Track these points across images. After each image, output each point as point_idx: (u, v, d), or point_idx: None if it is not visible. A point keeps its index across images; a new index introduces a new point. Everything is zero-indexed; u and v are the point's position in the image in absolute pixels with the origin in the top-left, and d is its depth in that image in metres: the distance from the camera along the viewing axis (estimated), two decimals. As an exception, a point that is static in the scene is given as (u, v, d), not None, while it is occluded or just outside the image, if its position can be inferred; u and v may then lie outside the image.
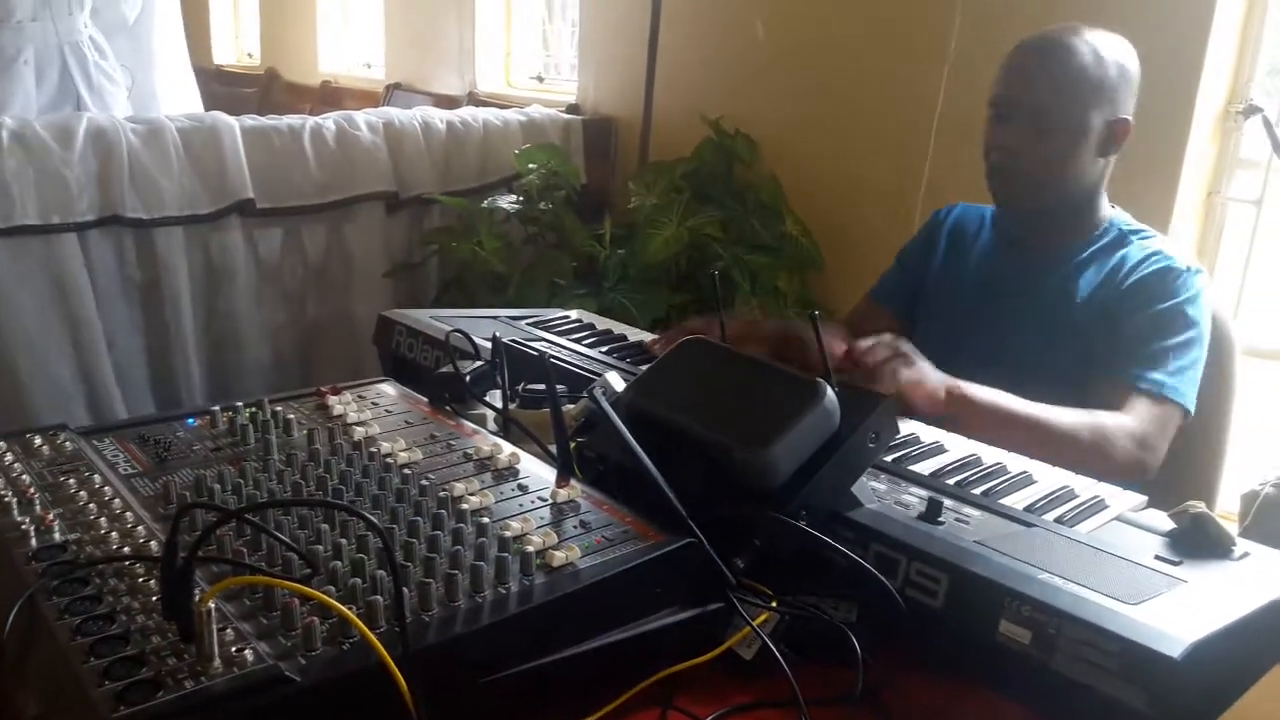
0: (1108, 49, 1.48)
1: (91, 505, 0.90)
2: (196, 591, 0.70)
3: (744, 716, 0.84)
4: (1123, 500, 1.04)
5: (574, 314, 1.72)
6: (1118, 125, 1.50)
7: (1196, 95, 2.00)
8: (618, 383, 1.15)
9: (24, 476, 0.94)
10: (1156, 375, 1.41)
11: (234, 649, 0.68)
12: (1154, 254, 1.51)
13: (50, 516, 0.86)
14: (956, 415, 1.31)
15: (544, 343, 1.49)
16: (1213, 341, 1.49)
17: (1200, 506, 0.95)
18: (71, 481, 0.94)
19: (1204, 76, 1.99)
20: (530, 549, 0.81)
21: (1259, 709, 0.87)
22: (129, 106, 3.20)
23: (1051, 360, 1.51)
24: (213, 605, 0.68)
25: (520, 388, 1.22)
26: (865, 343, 1.35)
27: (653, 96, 2.95)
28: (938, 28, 2.30)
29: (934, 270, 1.73)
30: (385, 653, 0.67)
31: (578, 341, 1.53)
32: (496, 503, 0.91)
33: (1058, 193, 1.52)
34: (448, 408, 1.17)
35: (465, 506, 0.88)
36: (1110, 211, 1.59)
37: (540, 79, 3.83)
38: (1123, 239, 1.55)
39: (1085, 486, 1.07)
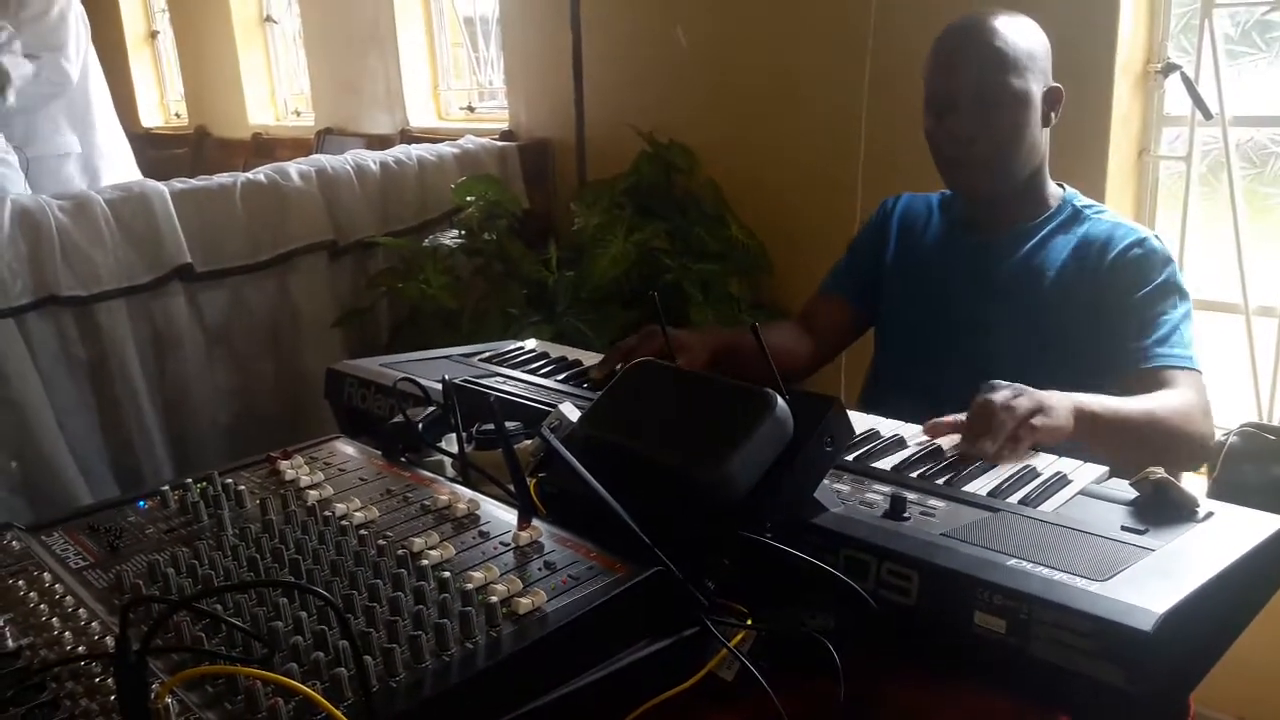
0: (1021, 24, 1.50)
1: (43, 605, 0.87)
2: (154, 685, 0.68)
3: (731, 740, 0.83)
4: (1084, 473, 1.05)
5: (528, 344, 1.71)
6: (1052, 93, 1.52)
7: (1115, 58, 2.02)
8: (572, 413, 1.14)
9: (-30, 584, 0.91)
10: (1180, 351, 1.42)
11: (198, 742, 0.66)
12: (1121, 229, 1.52)
13: (0, 623, 0.84)
14: (1080, 437, 1.20)
15: (498, 378, 1.48)
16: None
17: (1160, 472, 0.95)
18: (21, 583, 0.92)
19: (1119, 39, 2.02)
20: (495, 599, 0.80)
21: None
22: (26, 185, 3.12)
23: (1021, 342, 1.51)
24: (171, 699, 0.66)
25: (475, 429, 1.20)
26: (993, 402, 1.14)
27: (583, 115, 2.95)
28: (855, 17, 2.32)
29: (889, 261, 1.73)
30: (353, 728, 0.65)
31: (533, 372, 1.52)
32: (458, 554, 0.90)
33: (1013, 171, 1.52)
34: (403, 459, 1.15)
35: (425, 562, 0.87)
36: (1060, 190, 1.60)
37: (471, 109, 3.82)
38: (1078, 215, 1.56)
39: (1046, 464, 1.08)
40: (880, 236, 1.76)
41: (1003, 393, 1.16)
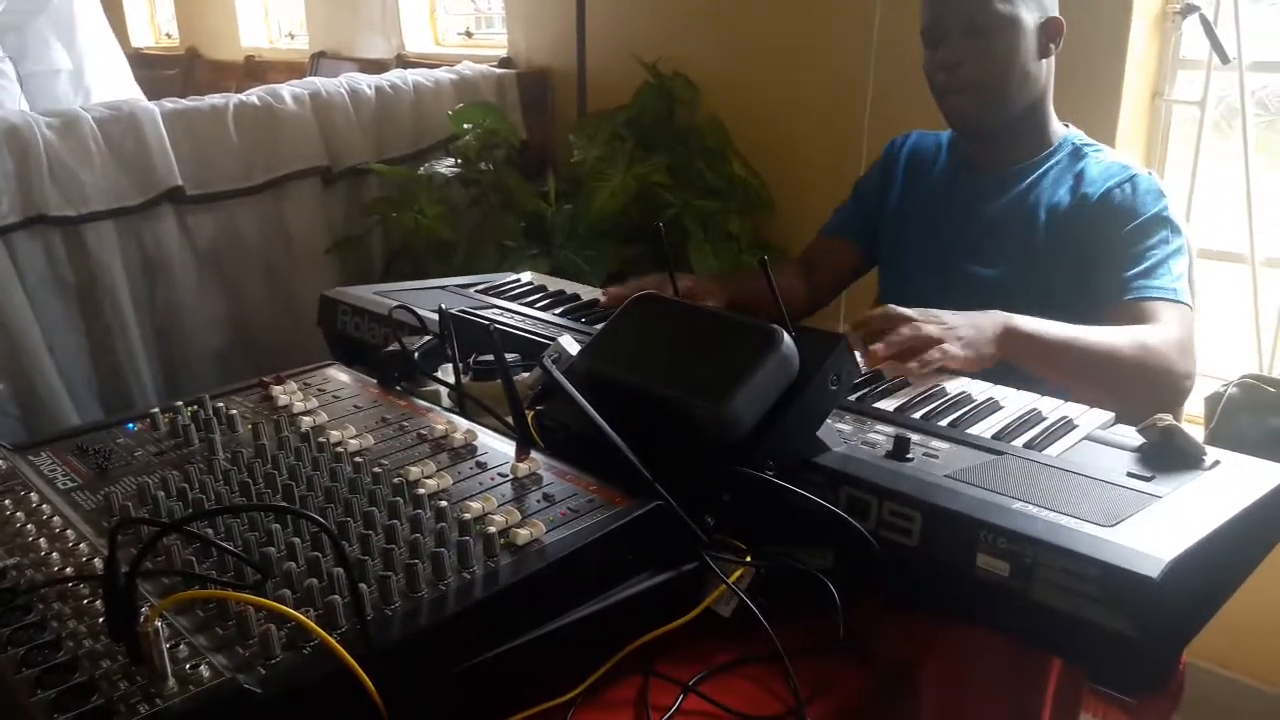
0: None
1: (30, 526, 0.86)
2: (144, 609, 0.67)
3: (727, 675, 0.83)
4: (1090, 418, 1.03)
5: (525, 276, 1.68)
6: (1050, 23, 1.49)
7: (1133, -2, 1.97)
8: (571, 346, 1.12)
9: (-44, 502, 0.90)
10: (1165, 283, 1.40)
11: (188, 665, 0.65)
12: (1114, 167, 1.50)
13: (-14, 542, 0.82)
14: (1010, 356, 1.24)
15: (494, 309, 1.45)
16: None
17: (1168, 419, 0.94)
18: (7, 502, 0.90)
19: (1139, -22, 1.97)
20: (493, 529, 0.79)
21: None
22: (22, 100, 3.07)
23: (1022, 281, 1.49)
24: (160, 623, 0.65)
25: (472, 360, 1.18)
26: (895, 314, 1.19)
27: (585, 44, 2.88)
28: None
29: (893, 200, 1.71)
30: (348, 655, 0.64)
31: (530, 305, 1.49)
32: (455, 484, 0.88)
33: (1006, 99, 1.50)
34: (398, 388, 1.13)
35: (422, 491, 0.85)
36: (1062, 129, 1.58)
37: (469, 34, 3.73)
38: (1078, 153, 1.54)
39: (1052, 408, 1.06)
40: (886, 177, 1.73)
41: (911, 312, 1.20)
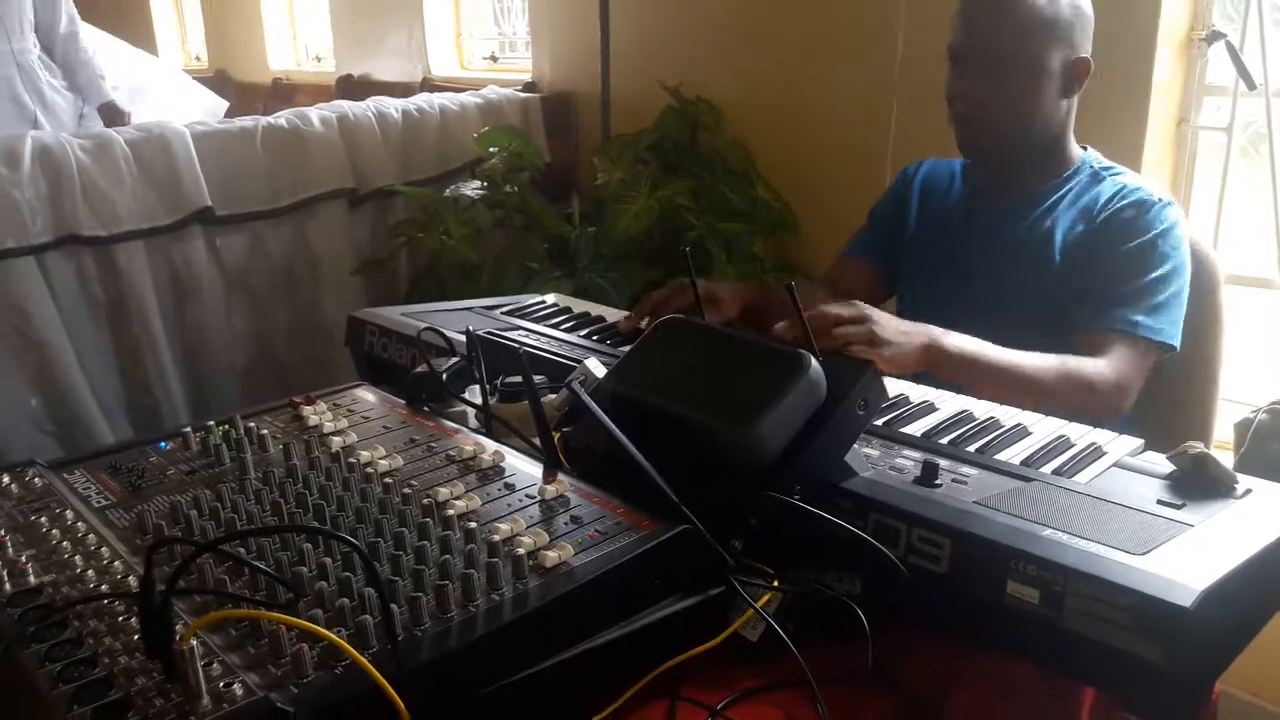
0: None
1: (65, 543, 0.87)
2: (178, 627, 0.68)
3: (754, 701, 0.83)
4: (1120, 445, 1.03)
5: (550, 298, 1.69)
6: (1077, 65, 1.48)
7: (1159, 23, 1.97)
8: (598, 369, 1.12)
9: (-7, 519, 0.91)
10: (1133, 316, 1.40)
11: (222, 683, 0.66)
12: (1124, 188, 1.49)
13: (23, 559, 0.84)
14: (931, 370, 1.28)
15: (521, 331, 1.46)
16: (1195, 273, 1.48)
17: (1199, 447, 0.93)
18: (43, 520, 0.91)
19: (1163, 4, 1.96)
20: (522, 551, 0.79)
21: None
22: (80, 125, 3.18)
23: (1038, 308, 1.49)
24: (195, 641, 0.65)
25: (499, 381, 1.19)
26: (827, 311, 1.24)
27: (609, 68, 2.90)
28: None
29: (910, 228, 1.71)
30: (379, 675, 0.65)
31: (555, 327, 1.50)
32: (484, 504, 0.89)
33: (1021, 137, 1.50)
34: (426, 409, 1.14)
35: (451, 512, 0.86)
36: (1080, 152, 1.57)
37: (494, 59, 3.76)
38: (1096, 177, 1.53)
39: (1081, 434, 1.06)
40: (901, 204, 1.74)
41: (841, 307, 1.23)
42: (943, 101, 1.56)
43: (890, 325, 1.25)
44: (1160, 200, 1.47)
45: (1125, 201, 1.47)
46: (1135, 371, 1.39)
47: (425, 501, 0.87)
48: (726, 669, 0.85)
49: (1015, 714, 0.86)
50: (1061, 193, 1.53)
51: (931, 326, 1.30)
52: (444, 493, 0.90)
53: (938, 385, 1.22)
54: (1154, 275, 1.42)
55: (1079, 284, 1.46)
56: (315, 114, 2.63)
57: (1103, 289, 1.43)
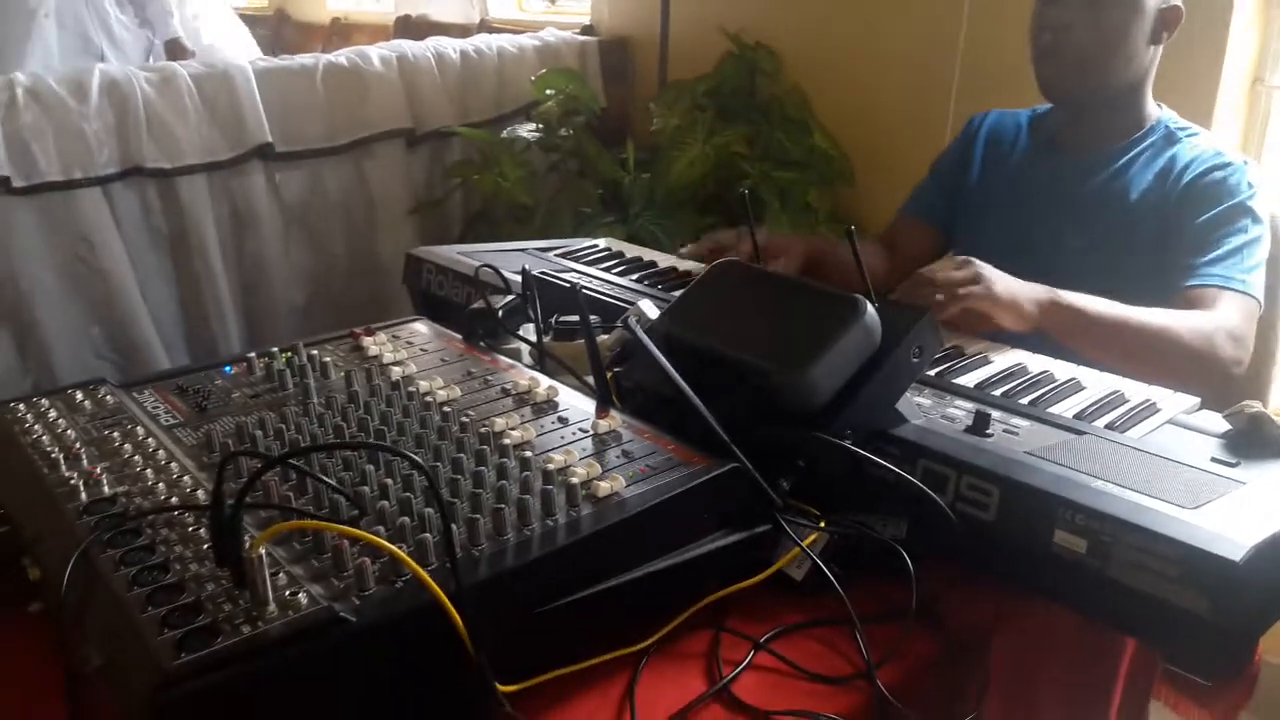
0: None
1: (137, 457, 0.90)
2: (246, 538, 0.70)
3: (797, 636, 0.84)
4: (1175, 403, 1.02)
5: (602, 243, 1.70)
6: (1170, 11, 1.45)
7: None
8: (651, 310, 1.13)
9: (69, 432, 0.94)
10: (1235, 273, 1.37)
11: (287, 593, 0.69)
12: (1206, 153, 1.46)
13: (98, 470, 0.87)
14: (1053, 328, 1.25)
15: (572, 273, 1.47)
16: (1267, 235, 1.45)
17: (1257, 406, 0.92)
18: (115, 435, 0.95)
19: (1244, -41, 1.90)
20: (575, 480, 0.81)
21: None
22: (149, 59, 3.23)
23: (1102, 264, 1.47)
24: (264, 551, 0.68)
25: (553, 320, 1.21)
26: (937, 274, 1.21)
27: (669, 12, 2.87)
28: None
29: (972, 179, 1.68)
30: (438, 589, 0.67)
31: (608, 270, 1.51)
32: (538, 436, 0.91)
33: (1106, 76, 1.47)
34: (481, 343, 1.16)
35: (507, 441, 0.88)
36: (1156, 110, 1.54)
37: (552, 0, 3.74)
38: (1171, 137, 1.50)
39: (1135, 391, 1.05)
40: (964, 156, 1.71)
41: (952, 267, 1.21)
42: (1010, 51, 1.53)
43: (1006, 283, 1.23)
44: (1245, 163, 1.45)
45: (1208, 166, 1.44)
46: (1248, 325, 1.35)
47: (482, 430, 0.90)
48: (771, 605, 0.87)
49: (1057, 661, 0.87)
50: (1135, 152, 1.50)
51: (1033, 284, 1.27)
52: (500, 423, 0.92)
53: (1055, 353, 1.18)
54: (1247, 237, 1.40)
55: (1155, 246, 1.44)
56: (375, 53, 2.64)
57: (1196, 249, 1.40)
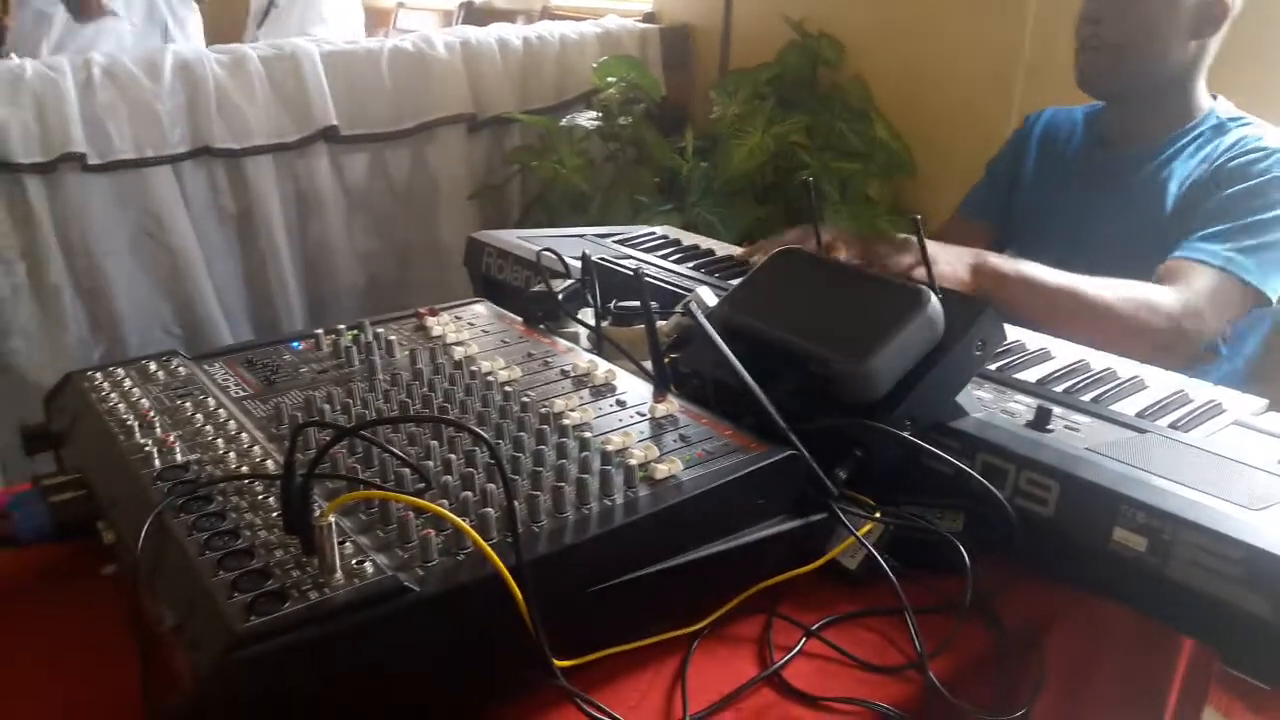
0: None
1: (208, 427, 0.93)
2: (315, 507, 0.72)
3: (850, 625, 0.85)
4: (1241, 404, 1.00)
5: (659, 230, 1.71)
6: (1214, 6, 1.42)
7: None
8: (710, 297, 1.14)
9: (143, 401, 0.98)
10: (1216, 248, 1.35)
11: (354, 561, 0.71)
12: (1245, 138, 1.44)
13: (171, 438, 0.90)
14: (984, 291, 1.27)
15: (630, 260, 1.48)
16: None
17: (1327, 409, 0.91)
18: (188, 405, 0.98)
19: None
20: (633, 462, 0.82)
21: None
22: (204, 36, 3.28)
23: (1149, 259, 1.45)
24: (332, 520, 0.70)
25: (612, 305, 1.22)
26: (876, 246, 1.28)
27: (731, 1, 2.86)
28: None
29: (1026, 178, 1.67)
30: (500, 563, 0.68)
31: (665, 258, 1.52)
32: (596, 418, 0.92)
33: (1142, 68, 1.45)
34: (541, 326, 1.18)
35: (567, 422, 0.89)
36: (1209, 102, 1.51)
37: (615, -12, 3.74)
38: (1220, 127, 1.48)
39: (1200, 391, 1.03)
40: (1019, 156, 1.71)
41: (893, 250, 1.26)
42: (1074, 50, 1.52)
43: (936, 250, 1.25)
44: (1278, 147, 1.41)
45: (1240, 149, 1.42)
46: (1209, 300, 1.33)
47: (543, 410, 0.91)
48: (824, 594, 0.87)
49: (1113, 660, 0.86)
50: (1182, 143, 1.48)
51: (976, 250, 1.31)
52: (560, 404, 0.93)
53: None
54: (1257, 218, 1.36)
55: (1193, 224, 1.42)
56: (440, 38, 2.67)
57: (1198, 226, 1.39)
